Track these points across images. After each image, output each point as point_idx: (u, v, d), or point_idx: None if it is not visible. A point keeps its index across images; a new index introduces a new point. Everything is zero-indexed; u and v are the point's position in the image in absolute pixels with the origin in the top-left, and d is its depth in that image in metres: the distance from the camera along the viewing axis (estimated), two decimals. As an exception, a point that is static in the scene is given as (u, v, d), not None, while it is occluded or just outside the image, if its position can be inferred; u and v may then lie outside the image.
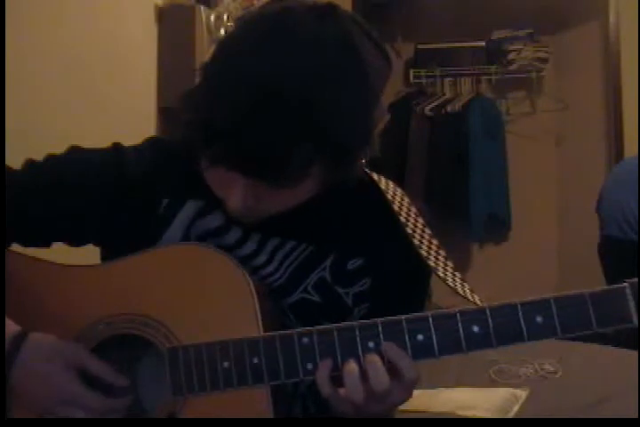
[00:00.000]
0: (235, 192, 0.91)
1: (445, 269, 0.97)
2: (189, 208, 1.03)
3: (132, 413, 0.98)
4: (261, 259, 1.03)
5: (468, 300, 0.94)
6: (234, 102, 0.84)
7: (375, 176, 1.06)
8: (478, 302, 0.92)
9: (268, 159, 0.85)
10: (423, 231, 1.01)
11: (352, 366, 0.87)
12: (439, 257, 0.99)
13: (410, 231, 1.00)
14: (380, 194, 1.04)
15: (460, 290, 0.95)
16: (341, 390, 0.88)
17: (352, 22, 0.90)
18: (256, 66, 0.85)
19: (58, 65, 1.96)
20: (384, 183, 1.06)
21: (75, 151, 1.06)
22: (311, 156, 0.86)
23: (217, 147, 0.86)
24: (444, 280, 0.96)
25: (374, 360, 0.87)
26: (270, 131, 0.83)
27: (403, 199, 1.04)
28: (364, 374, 0.87)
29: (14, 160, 1.08)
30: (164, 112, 2.45)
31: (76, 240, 1.07)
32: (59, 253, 1.08)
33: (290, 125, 0.83)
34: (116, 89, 2.25)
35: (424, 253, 0.98)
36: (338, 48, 0.87)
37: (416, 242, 0.99)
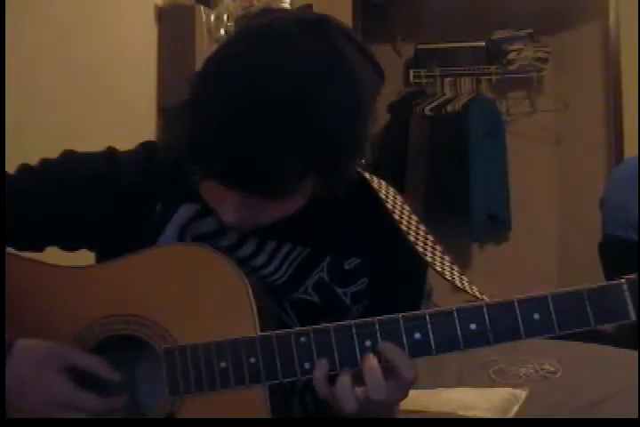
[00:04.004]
0: (228, 206, 0.91)
1: (443, 264, 0.97)
2: (184, 212, 1.03)
3: (130, 413, 0.98)
4: (261, 259, 1.03)
5: (467, 292, 0.94)
6: (221, 116, 0.84)
7: (367, 175, 1.06)
8: (477, 295, 0.92)
9: (260, 173, 0.84)
10: (418, 228, 1.01)
11: (346, 380, 0.87)
12: (435, 252, 0.99)
13: (404, 228, 1.00)
14: (373, 193, 1.04)
15: (458, 283, 0.95)
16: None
17: (342, 35, 0.90)
18: (242, 79, 0.84)
19: (58, 65, 1.96)
20: (376, 182, 1.06)
21: (68, 155, 1.06)
22: (303, 169, 0.86)
23: (206, 162, 0.87)
24: (442, 274, 0.96)
25: (373, 369, 0.87)
26: (260, 144, 0.83)
27: (396, 197, 1.04)
28: (360, 381, 0.87)
29: (14, 160, 1.08)
30: (164, 112, 2.45)
31: (69, 245, 1.07)
32: (54, 254, 1.07)
33: (279, 138, 0.83)
34: (116, 89, 2.25)
35: (420, 249, 0.98)
36: (325, 60, 0.86)
37: (411, 238, 0.99)
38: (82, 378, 0.94)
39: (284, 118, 0.83)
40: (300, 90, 0.84)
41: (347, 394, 0.87)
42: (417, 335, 0.88)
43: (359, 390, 0.87)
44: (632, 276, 0.84)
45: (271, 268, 1.03)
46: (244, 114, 0.83)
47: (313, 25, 0.88)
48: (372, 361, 0.87)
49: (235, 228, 0.97)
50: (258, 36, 0.88)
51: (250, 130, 0.83)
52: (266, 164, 0.84)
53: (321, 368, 0.88)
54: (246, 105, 0.83)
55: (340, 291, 1.04)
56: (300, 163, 0.85)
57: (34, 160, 1.06)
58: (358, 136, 0.90)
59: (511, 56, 4.02)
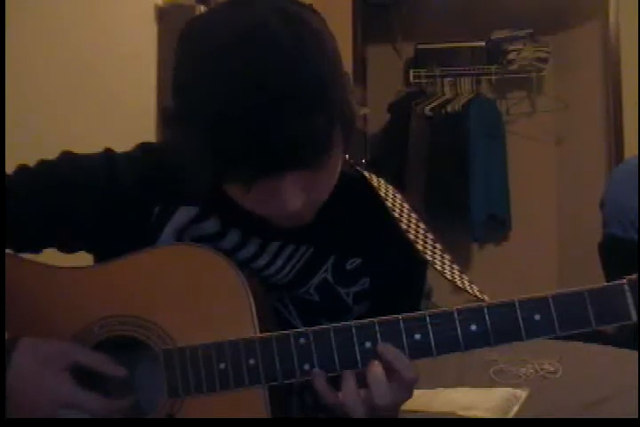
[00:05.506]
0: (287, 195, 0.87)
1: (443, 263, 0.97)
2: (182, 215, 1.02)
3: (130, 414, 0.97)
4: (263, 261, 1.02)
5: (467, 292, 0.93)
6: (244, 107, 0.81)
7: (367, 174, 1.06)
8: (477, 294, 0.92)
9: (302, 138, 0.82)
10: (417, 226, 1.01)
11: (352, 386, 0.87)
12: (435, 250, 0.98)
13: (404, 227, 1.00)
14: (373, 191, 1.04)
15: (458, 282, 0.95)
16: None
17: None
18: (241, 76, 0.83)
19: (58, 65, 1.96)
20: (376, 180, 1.05)
21: (67, 157, 1.05)
22: (327, 127, 0.83)
23: (256, 156, 0.82)
24: (442, 273, 0.95)
25: (377, 375, 0.87)
26: (284, 116, 0.81)
27: (395, 196, 1.04)
28: (364, 386, 0.87)
29: (13, 160, 1.08)
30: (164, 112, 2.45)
31: (67, 247, 1.07)
32: (53, 254, 1.07)
33: (300, 104, 0.81)
34: (116, 89, 2.25)
35: (420, 248, 0.98)
36: (275, 22, 0.84)
37: (411, 237, 0.99)
38: (86, 378, 0.94)
39: (291, 86, 0.81)
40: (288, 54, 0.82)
41: (354, 400, 0.87)
42: (417, 336, 0.87)
43: (364, 395, 0.87)
44: (633, 276, 0.84)
45: (274, 268, 1.03)
46: (253, 97, 0.81)
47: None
48: (376, 368, 0.87)
49: (293, 223, 0.94)
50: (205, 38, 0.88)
51: (274, 110, 0.81)
52: (299, 128, 0.81)
53: (319, 378, 0.88)
54: (258, 84, 0.81)
55: (342, 291, 1.04)
56: (322, 124, 0.82)
57: (33, 161, 1.06)
58: (338, 71, 0.87)
59: (511, 56, 4.02)
